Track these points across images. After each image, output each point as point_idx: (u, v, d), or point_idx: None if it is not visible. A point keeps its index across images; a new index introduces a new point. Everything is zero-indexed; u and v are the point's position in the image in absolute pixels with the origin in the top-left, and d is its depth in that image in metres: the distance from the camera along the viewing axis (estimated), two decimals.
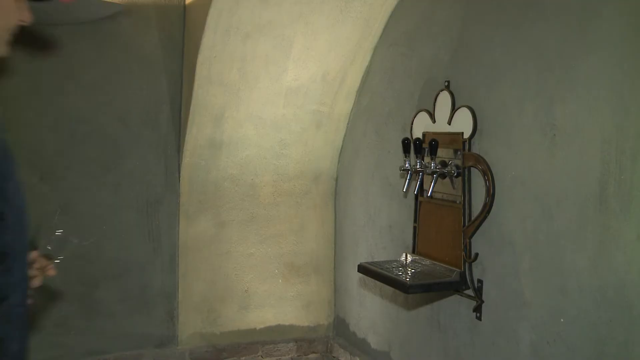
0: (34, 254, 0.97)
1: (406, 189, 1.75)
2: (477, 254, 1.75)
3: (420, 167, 1.77)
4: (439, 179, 1.84)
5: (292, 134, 2.46)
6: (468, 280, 1.76)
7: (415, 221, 2.00)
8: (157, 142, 2.51)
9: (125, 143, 2.48)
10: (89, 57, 2.40)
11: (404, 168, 1.76)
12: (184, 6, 2.50)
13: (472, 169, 1.78)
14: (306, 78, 2.41)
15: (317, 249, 2.67)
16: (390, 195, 2.19)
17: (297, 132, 2.50)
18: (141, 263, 2.51)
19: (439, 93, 1.92)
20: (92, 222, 2.44)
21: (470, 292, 1.77)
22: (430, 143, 1.78)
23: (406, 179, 1.73)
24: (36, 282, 0.96)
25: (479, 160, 1.72)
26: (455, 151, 1.82)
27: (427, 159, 1.85)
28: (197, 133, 2.36)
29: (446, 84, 1.90)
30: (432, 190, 1.80)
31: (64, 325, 2.42)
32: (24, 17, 0.89)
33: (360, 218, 2.43)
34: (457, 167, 1.80)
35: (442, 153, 1.86)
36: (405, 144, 1.84)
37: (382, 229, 2.29)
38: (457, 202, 1.81)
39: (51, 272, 0.98)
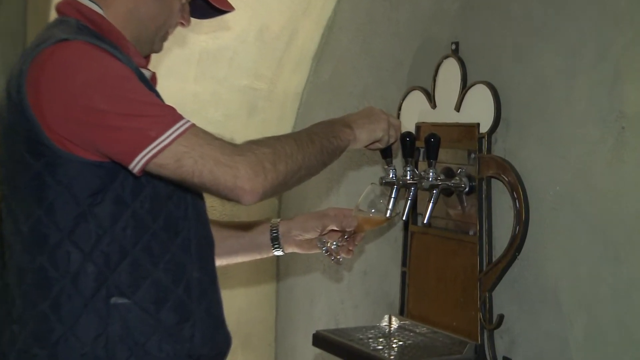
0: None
1: (390, 213, 1.72)
2: (501, 317, 1.74)
3: (413, 179, 1.76)
4: (442, 196, 1.83)
5: (209, 124, 2.39)
6: (489, 358, 1.76)
7: (404, 264, 2.00)
8: None
9: None
10: None
11: (387, 180, 1.74)
12: None
13: (492, 180, 1.78)
14: (232, 35, 2.39)
15: (247, 310, 2.65)
16: None
17: (217, 121, 2.48)
18: None
19: (441, 61, 1.92)
20: None
21: None
22: (427, 140, 1.78)
23: (390, 197, 1.71)
24: None
25: (504, 168, 1.72)
26: (468, 153, 1.81)
27: (422, 166, 1.84)
28: None
29: (453, 47, 1.90)
30: (430, 215, 1.79)
31: None
32: (185, 20, 1.45)
33: (316, 259, 2.40)
34: (469, 178, 1.80)
35: (447, 156, 1.85)
36: None
37: (352, 276, 2.28)
38: (471, 233, 1.81)
39: None
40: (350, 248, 1.67)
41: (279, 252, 1.66)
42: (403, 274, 1.99)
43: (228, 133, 2.47)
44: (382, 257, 2.16)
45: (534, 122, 1.70)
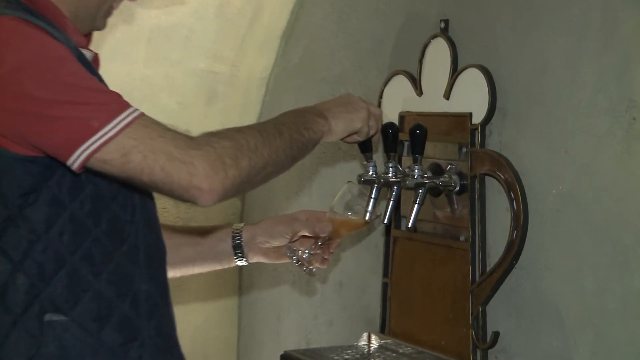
0: None
1: (370, 216, 1.72)
2: (496, 334, 1.75)
3: (395, 176, 1.76)
4: (429, 196, 1.84)
5: (161, 112, 2.38)
6: None
7: (385, 274, 2.00)
8: None
9: None
10: None
11: (366, 177, 1.75)
12: None
13: (487, 178, 1.79)
14: (187, 11, 2.39)
15: (205, 328, 2.65)
16: None
17: (170, 110, 2.48)
18: None
19: (429, 42, 1.93)
20: None
21: None
22: (412, 132, 1.78)
23: (370, 198, 1.72)
24: None
25: (500, 164, 1.74)
26: (459, 147, 1.82)
27: (407, 161, 1.85)
28: None
29: (442, 25, 1.91)
30: (415, 218, 1.80)
31: None
32: None
33: (285, 269, 2.40)
34: (460, 175, 1.81)
35: (435, 150, 1.87)
36: None
37: (326, 288, 2.28)
38: (461, 238, 1.82)
39: None
40: (325, 257, 1.66)
41: (242, 262, 1.66)
42: (384, 286, 2.00)
43: (183, 124, 2.43)
44: (361, 267, 2.16)
45: (534, 112, 1.70)
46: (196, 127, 2.49)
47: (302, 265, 1.64)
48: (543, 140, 1.68)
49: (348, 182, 1.70)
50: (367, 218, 1.68)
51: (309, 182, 2.36)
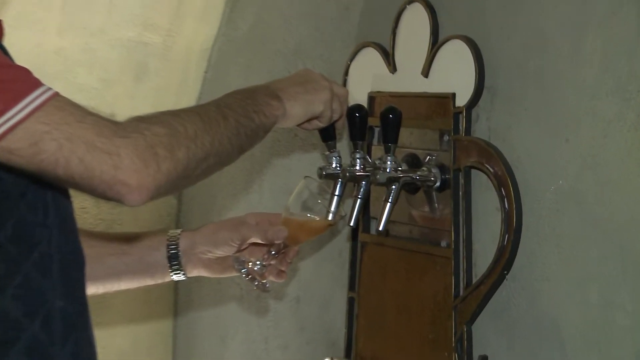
0: None
1: (333, 217, 1.74)
2: (484, 359, 1.76)
3: (364, 169, 1.78)
4: (404, 193, 1.85)
5: (80, 92, 2.40)
6: None
7: (352, 287, 2.01)
8: None
9: None
10: None
11: (329, 171, 1.77)
12: None
13: (473, 172, 1.80)
14: None
15: (132, 353, 2.65)
16: None
17: (91, 89, 2.48)
18: None
19: (404, 8, 1.94)
20: None
21: None
22: (384, 117, 1.79)
23: (333, 195, 1.74)
24: None
25: (489, 155, 1.75)
26: (440, 135, 1.84)
27: (378, 151, 1.86)
28: None
29: None
30: (387, 219, 1.81)
31: None
32: None
33: (231, 281, 2.41)
34: (441, 168, 1.82)
35: (411, 138, 1.89)
36: None
37: (281, 305, 2.29)
38: (443, 244, 1.84)
39: None
40: (282, 268, 1.66)
41: (179, 276, 1.66)
42: (350, 301, 2.01)
43: (107, 105, 2.47)
44: (322, 278, 2.17)
45: (529, 93, 1.71)
46: (122, 110, 2.50)
47: (253, 279, 1.63)
48: (540, 127, 1.70)
49: (306, 176, 1.70)
50: (329, 219, 1.68)
51: (259, 177, 2.37)
